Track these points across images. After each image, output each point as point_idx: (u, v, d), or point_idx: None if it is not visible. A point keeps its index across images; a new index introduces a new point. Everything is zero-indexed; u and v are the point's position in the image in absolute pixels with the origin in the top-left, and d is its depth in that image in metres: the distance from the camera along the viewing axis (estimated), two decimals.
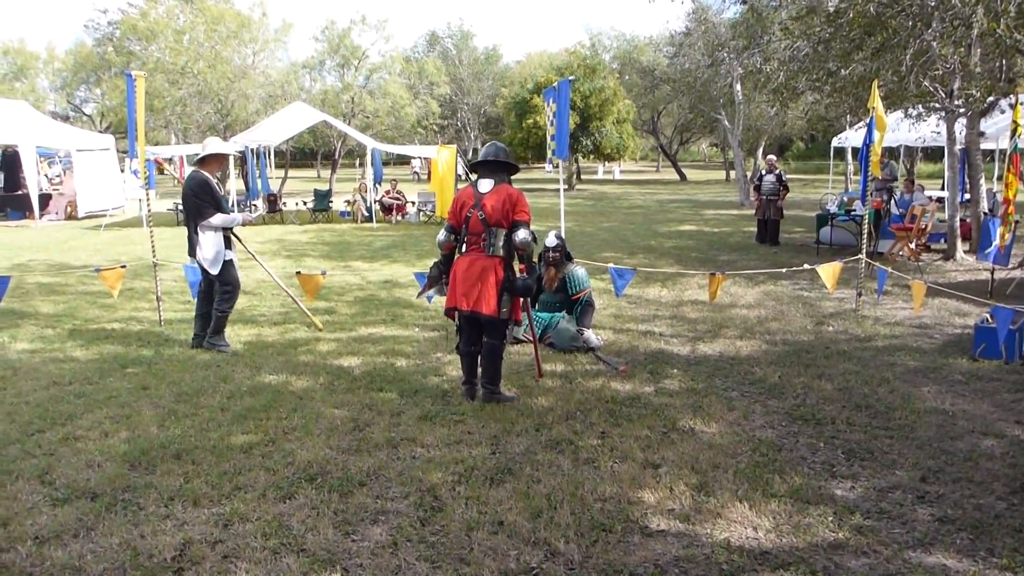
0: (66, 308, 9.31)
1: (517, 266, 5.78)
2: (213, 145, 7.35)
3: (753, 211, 17.01)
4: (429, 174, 25.31)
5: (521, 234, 5.58)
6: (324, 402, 5.80)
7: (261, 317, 8.84)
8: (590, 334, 7.38)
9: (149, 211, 8.68)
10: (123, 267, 8.33)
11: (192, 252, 7.25)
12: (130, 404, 5.74)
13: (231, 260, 7.32)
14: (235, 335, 7.87)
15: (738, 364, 6.88)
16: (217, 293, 7.30)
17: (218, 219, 7.12)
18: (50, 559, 3.56)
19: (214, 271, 7.16)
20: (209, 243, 7.13)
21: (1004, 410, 5.60)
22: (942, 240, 13.70)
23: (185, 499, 4.17)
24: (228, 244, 7.30)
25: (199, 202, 7.07)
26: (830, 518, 3.96)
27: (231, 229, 7.37)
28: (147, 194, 8.94)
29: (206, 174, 7.25)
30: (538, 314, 7.54)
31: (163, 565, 3.52)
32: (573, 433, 5.17)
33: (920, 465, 4.63)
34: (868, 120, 8.79)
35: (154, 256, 8.41)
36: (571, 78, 9.69)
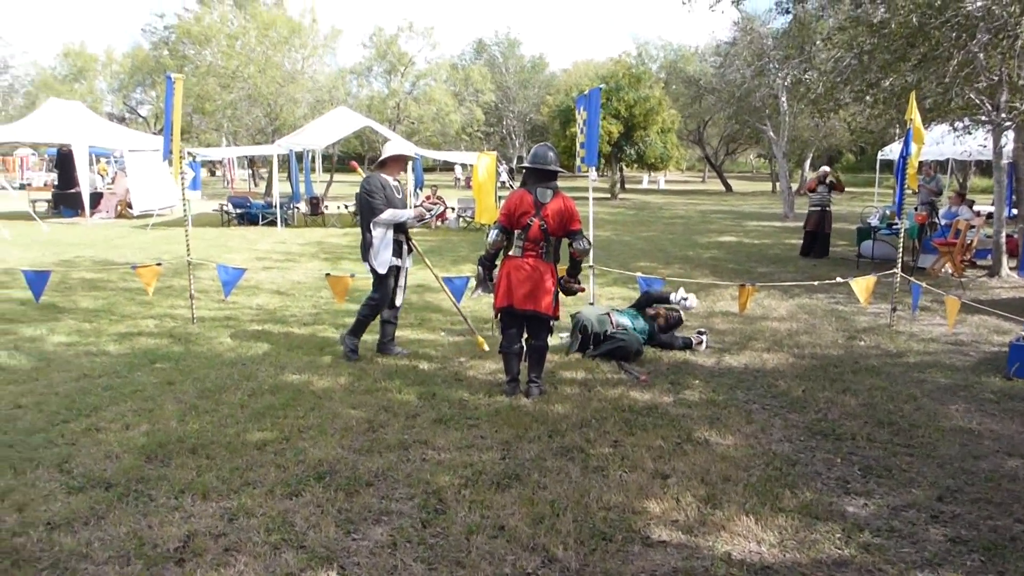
0: (105, 304, 9.54)
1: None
2: (393, 147, 7.26)
3: (802, 223, 16.71)
4: (468, 180, 25.37)
5: (584, 244, 6.09)
6: (342, 402, 5.86)
7: (292, 317, 8.96)
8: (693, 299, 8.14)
9: (186, 211, 8.91)
10: (159, 264, 8.52)
11: (364, 255, 7.10)
12: (154, 398, 5.87)
13: (397, 268, 7.17)
14: (264, 334, 8.00)
15: (762, 377, 6.79)
16: (365, 297, 7.25)
17: (388, 214, 6.92)
18: (59, 544, 3.66)
19: (381, 270, 7.01)
20: (380, 242, 6.98)
21: None
22: (988, 256, 13.35)
23: (195, 492, 4.24)
24: (399, 251, 7.14)
25: (372, 201, 6.91)
26: (838, 535, 3.89)
27: (406, 234, 7.20)
28: (184, 194, 9.10)
29: (384, 176, 7.09)
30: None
31: (165, 555, 3.59)
32: (585, 441, 5.15)
33: (938, 484, 4.52)
34: (906, 132, 8.62)
35: (189, 255, 8.60)
36: (601, 86, 9.66)
